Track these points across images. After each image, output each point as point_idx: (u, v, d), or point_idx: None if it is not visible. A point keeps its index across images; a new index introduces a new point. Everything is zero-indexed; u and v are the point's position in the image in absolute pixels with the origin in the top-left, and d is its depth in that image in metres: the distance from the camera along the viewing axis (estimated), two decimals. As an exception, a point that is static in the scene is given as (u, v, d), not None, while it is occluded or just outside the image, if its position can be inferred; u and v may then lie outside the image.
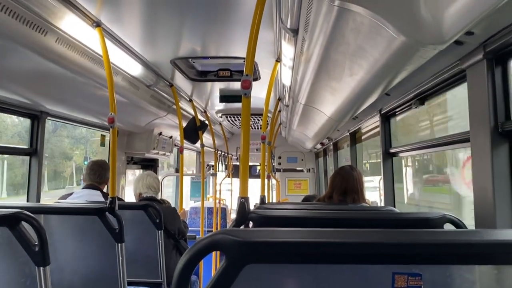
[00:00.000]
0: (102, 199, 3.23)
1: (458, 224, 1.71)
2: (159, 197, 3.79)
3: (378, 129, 3.58)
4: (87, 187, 3.34)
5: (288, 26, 2.11)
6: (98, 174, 3.38)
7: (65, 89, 3.02)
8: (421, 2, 1.30)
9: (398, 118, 3.43)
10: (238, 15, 2.49)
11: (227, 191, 8.93)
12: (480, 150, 1.78)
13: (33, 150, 3.43)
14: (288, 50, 2.50)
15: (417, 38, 1.32)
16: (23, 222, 1.58)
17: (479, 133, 1.79)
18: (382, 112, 3.43)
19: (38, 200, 3.44)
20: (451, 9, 1.22)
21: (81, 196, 3.26)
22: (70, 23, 2.31)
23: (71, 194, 3.36)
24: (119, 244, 2.49)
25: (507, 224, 1.69)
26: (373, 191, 5.16)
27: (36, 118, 3.43)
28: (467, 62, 1.82)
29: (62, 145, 6.27)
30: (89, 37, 2.50)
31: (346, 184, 2.86)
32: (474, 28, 1.49)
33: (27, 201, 3.44)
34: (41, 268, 1.60)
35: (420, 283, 0.93)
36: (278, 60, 2.93)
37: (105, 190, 3.48)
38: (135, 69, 3.34)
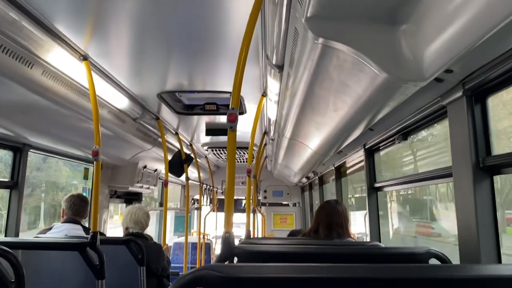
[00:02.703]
0: (83, 233, 3.15)
1: (443, 258, 1.71)
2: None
3: (362, 163, 3.61)
4: (67, 221, 3.26)
5: (274, 62, 2.15)
6: (78, 208, 3.31)
7: (50, 121, 3.00)
8: (402, 40, 1.35)
9: (382, 152, 3.47)
10: (224, 51, 2.53)
11: (211, 227, 8.80)
12: (463, 185, 1.80)
13: (14, 183, 3.35)
14: (273, 85, 2.55)
15: (398, 75, 1.36)
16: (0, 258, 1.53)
17: (461, 168, 1.82)
18: (366, 147, 3.46)
19: (17, 234, 3.34)
20: (431, 48, 1.26)
21: (62, 230, 3.18)
22: (57, 56, 2.32)
23: (50, 228, 3.27)
24: (100, 281, 2.42)
25: (491, 259, 1.69)
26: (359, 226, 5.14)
27: (19, 150, 3.38)
28: (447, 99, 1.87)
29: (57, 175, 6.11)
30: (75, 70, 2.51)
31: (331, 219, 2.85)
32: (453, 66, 1.54)
33: (5, 235, 3.33)
34: (17, 306, 1.53)
35: (406, 320, 0.91)
36: (264, 94, 2.97)
37: (86, 224, 3.40)
38: (121, 102, 3.34)
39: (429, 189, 3.51)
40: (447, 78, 1.69)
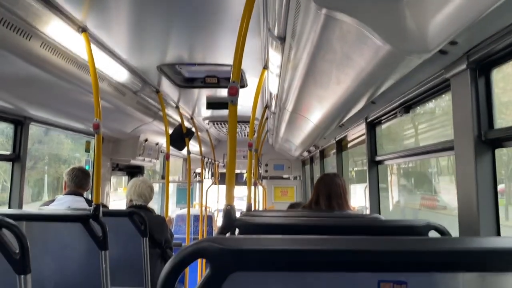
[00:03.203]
0: (86, 205, 3.19)
1: (442, 231, 1.73)
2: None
3: (364, 137, 3.61)
4: (70, 193, 3.29)
5: (275, 34, 2.12)
6: (80, 180, 3.34)
7: (50, 94, 2.98)
8: (406, 12, 1.32)
9: (384, 126, 3.46)
10: (225, 22, 2.49)
11: (213, 200, 8.89)
12: (464, 159, 1.80)
13: (16, 156, 3.37)
14: (275, 57, 2.51)
15: (402, 47, 1.33)
16: (4, 229, 1.54)
17: (463, 142, 1.81)
18: (368, 120, 3.45)
19: (21, 206, 3.38)
20: (436, 19, 1.24)
21: (64, 202, 3.21)
22: (55, 28, 2.29)
23: (53, 200, 3.30)
24: (103, 251, 2.46)
25: (491, 232, 1.71)
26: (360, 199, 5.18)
27: (20, 123, 3.38)
28: (451, 72, 1.85)
29: (59, 148, 6.11)
30: (74, 42, 2.47)
31: (330, 189, 2.88)
32: (458, 37, 1.52)
33: (9, 207, 3.37)
34: (22, 276, 1.56)
35: (405, 290, 0.93)
36: (265, 67, 2.93)
37: (89, 197, 3.43)
38: (121, 75, 3.31)
39: (430, 163, 3.52)
40: (451, 50, 1.66)
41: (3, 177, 4.30)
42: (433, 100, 2.51)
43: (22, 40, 2.15)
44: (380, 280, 0.93)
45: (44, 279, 2.51)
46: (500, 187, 2.04)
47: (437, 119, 2.79)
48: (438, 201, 3.42)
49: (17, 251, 1.56)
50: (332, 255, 0.95)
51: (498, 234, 1.74)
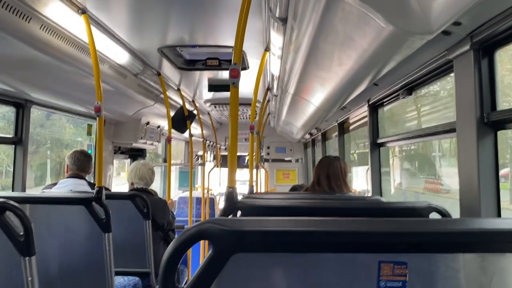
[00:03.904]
0: (88, 188, 3.21)
1: (443, 213, 1.73)
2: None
3: (366, 119, 3.60)
4: (72, 176, 3.30)
5: (277, 15, 2.09)
6: (82, 163, 3.35)
7: (50, 77, 2.97)
8: (409, -9, 1.29)
9: (386, 108, 3.45)
10: (226, 3, 2.46)
11: (215, 182, 8.93)
12: (466, 141, 1.80)
13: (18, 139, 3.37)
14: (276, 39, 2.49)
15: (405, 28, 1.32)
16: (8, 212, 1.56)
17: (465, 124, 1.81)
18: (370, 102, 3.44)
19: (24, 189, 3.40)
20: (439, -1, 1.22)
21: (67, 185, 3.23)
22: (54, 10, 2.27)
23: (55, 184, 3.32)
24: (106, 234, 2.48)
25: (492, 213, 1.72)
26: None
27: (21, 106, 3.38)
28: (454, 53, 1.83)
29: (61, 132, 6.12)
30: (74, 24, 2.45)
31: (329, 170, 2.92)
32: (462, 18, 1.50)
33: (12, 190, 3.39)
34: (27, 258, 1.58)
35: (405, 271, 0.94)
36: (267, 49, 2.91)
37: (91, 180, 3.45)
38: (121, 57, 3.29)
39: (432, 145, 3.51)
40: (455, 31, 1.64)
41: (7, 162, 4.32)
42: (436, 82, 2.50)
43: (22, 22, 2.13)
44: (380, 261, 0.94)
45: (49, 261, 2.54)
46: (504, 171, 2.05)
47: (439, 101, 2.77)
48: (441, 184, 3.43)
49: (21, 233, 1.57)
50: (333, 236, 0.96)
51: (499, 216, 1.74)
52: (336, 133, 5.11)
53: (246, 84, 4.11)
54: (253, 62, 3.68)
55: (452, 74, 1.93)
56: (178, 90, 4.84)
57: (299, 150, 9.11)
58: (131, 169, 3.69)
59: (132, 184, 3.63)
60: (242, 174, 10.11)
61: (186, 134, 5.32)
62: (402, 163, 4.14)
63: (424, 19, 1.28)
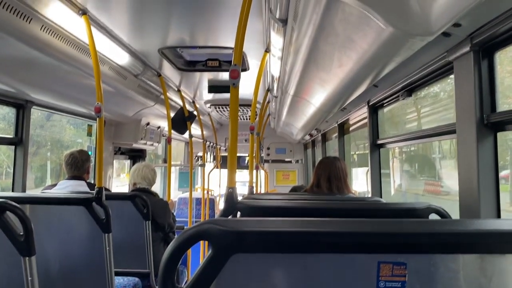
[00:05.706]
0: (87, 189, 3.21)
1: (443, 214, 1.73)
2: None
3: (366, 120, 3.60)
4: (71, 177, 3.30)
5: (277, 16, 2.10)
6: (79, 164, 3.34)
7: (51, 77, 2.98)
8: (409, -8, 1.29)
9: (386, 109, 3.45)
10: (226, 4, 2.46)
11: (215, 183, 8.92)
12: (466, 142, 1.80)
13: (18, 140, 3.38)
14: (277, 40, 2.49)
15: (405, 29, 1.32)
16: (8, 212, 1.56)
17: (465, 125, 1.81)
18: (370, 104, 3.44)
19: (24, 190, 3.40)
20: (439, 1, 1.22)
21: (66, 187, 3.23)
22: (55, 11, 2.27)
23: (55, 185, 3.32)
24: (106, 234, 2.48)
25: (491, 214, 1.72)
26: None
27: (21, 107, 3.38)
28: (454, 54, 1.84)
29: (61, 133, 6.12)
30: (75, 25, 2.46)
31: (330, 172, 2.90)
32: (462, 19, 1.50)
33: (12, 191, 3.39)
34: (27, 258, 1.59)
35: (404, 272, 0.94)
36: (267, 50, 2.91)
37: (91, 181, 3.45)
38: (122, 58, 3.30)
39: (432, 147, 3.51)
40: (455, 32, 1.65)
41: (7, 163, 4.32)
42: (436, 83, 2.50)
43: (22, 23, 2.13)
44: (380, 262, 0.94)
45: (49, 261, 2.55)
46: (504, 172, 2.05)
47: (439, 102, 2.77)
48: (441, 186, 3.43)
49: (21, 233, 1.57)
50: (333, 236, 0.96)
51: (499, 217, 1.74)
52: (336, 134, 5.10)
53: (246, 85, 4.12)
54: (253, 63, 3.68)
55: (452, 76, 1.93)
56: (178, 91, 4.85)
57: (299, 151, 9.11)
58: (133, 170, 3.70)
59: (134, 184, 3.64)
60: (242, 175, 10.11)
61: (186, 135, 5.33)
62: (402, 165, 4.14)
63: (424, 21, 1.29)
